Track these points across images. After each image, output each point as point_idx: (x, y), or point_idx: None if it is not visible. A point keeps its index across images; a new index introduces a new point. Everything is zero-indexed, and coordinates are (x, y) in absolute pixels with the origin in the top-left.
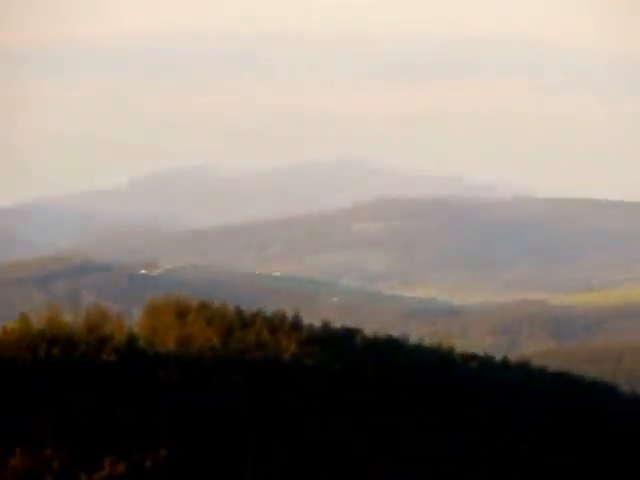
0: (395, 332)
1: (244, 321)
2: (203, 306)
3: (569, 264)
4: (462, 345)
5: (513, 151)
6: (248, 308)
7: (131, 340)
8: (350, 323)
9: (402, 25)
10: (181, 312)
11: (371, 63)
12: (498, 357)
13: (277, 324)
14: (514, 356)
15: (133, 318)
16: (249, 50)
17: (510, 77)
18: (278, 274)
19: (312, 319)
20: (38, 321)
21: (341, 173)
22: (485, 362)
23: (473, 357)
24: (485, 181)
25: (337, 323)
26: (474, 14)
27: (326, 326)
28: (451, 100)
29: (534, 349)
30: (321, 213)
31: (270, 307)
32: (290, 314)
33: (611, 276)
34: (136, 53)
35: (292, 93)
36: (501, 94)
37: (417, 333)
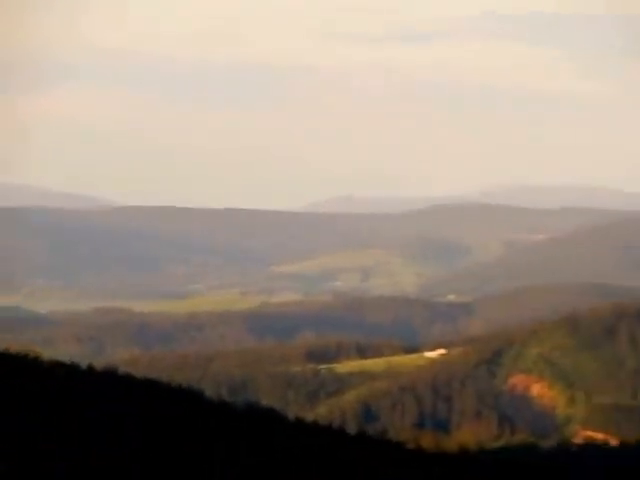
0: None
1: None
2: None
3: (153, 273)
4: (48, 353)
5: (98, 162)
6: None
7: None
8: None
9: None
10: None
11: None
12: (84, 365)
13: None
14: (100, 363)
15: None
16: None
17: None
18: None
19: None
20: None
21: None
22: (71, 370)
23: (60, 365)
24: (69, 190)
25: None
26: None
27: None
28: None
29: (120, 356)
30: None
31: None
32: None
33: (195, 284)
34: None
35: None
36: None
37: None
